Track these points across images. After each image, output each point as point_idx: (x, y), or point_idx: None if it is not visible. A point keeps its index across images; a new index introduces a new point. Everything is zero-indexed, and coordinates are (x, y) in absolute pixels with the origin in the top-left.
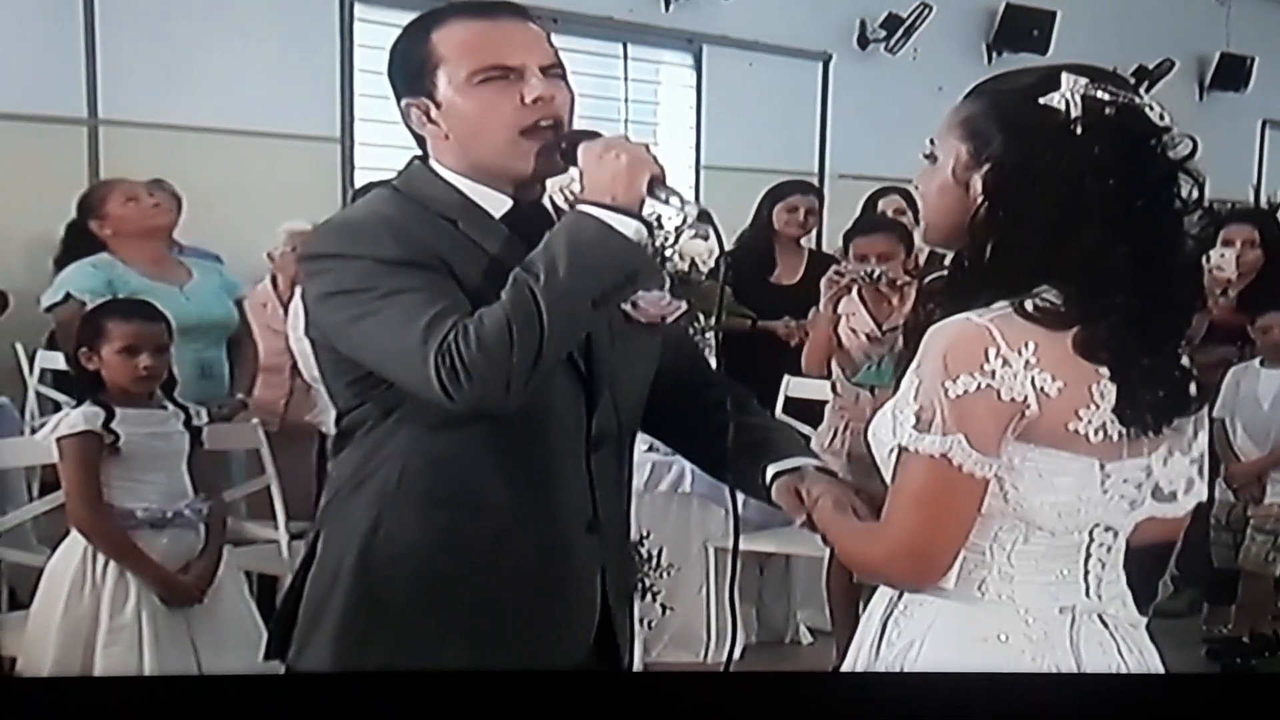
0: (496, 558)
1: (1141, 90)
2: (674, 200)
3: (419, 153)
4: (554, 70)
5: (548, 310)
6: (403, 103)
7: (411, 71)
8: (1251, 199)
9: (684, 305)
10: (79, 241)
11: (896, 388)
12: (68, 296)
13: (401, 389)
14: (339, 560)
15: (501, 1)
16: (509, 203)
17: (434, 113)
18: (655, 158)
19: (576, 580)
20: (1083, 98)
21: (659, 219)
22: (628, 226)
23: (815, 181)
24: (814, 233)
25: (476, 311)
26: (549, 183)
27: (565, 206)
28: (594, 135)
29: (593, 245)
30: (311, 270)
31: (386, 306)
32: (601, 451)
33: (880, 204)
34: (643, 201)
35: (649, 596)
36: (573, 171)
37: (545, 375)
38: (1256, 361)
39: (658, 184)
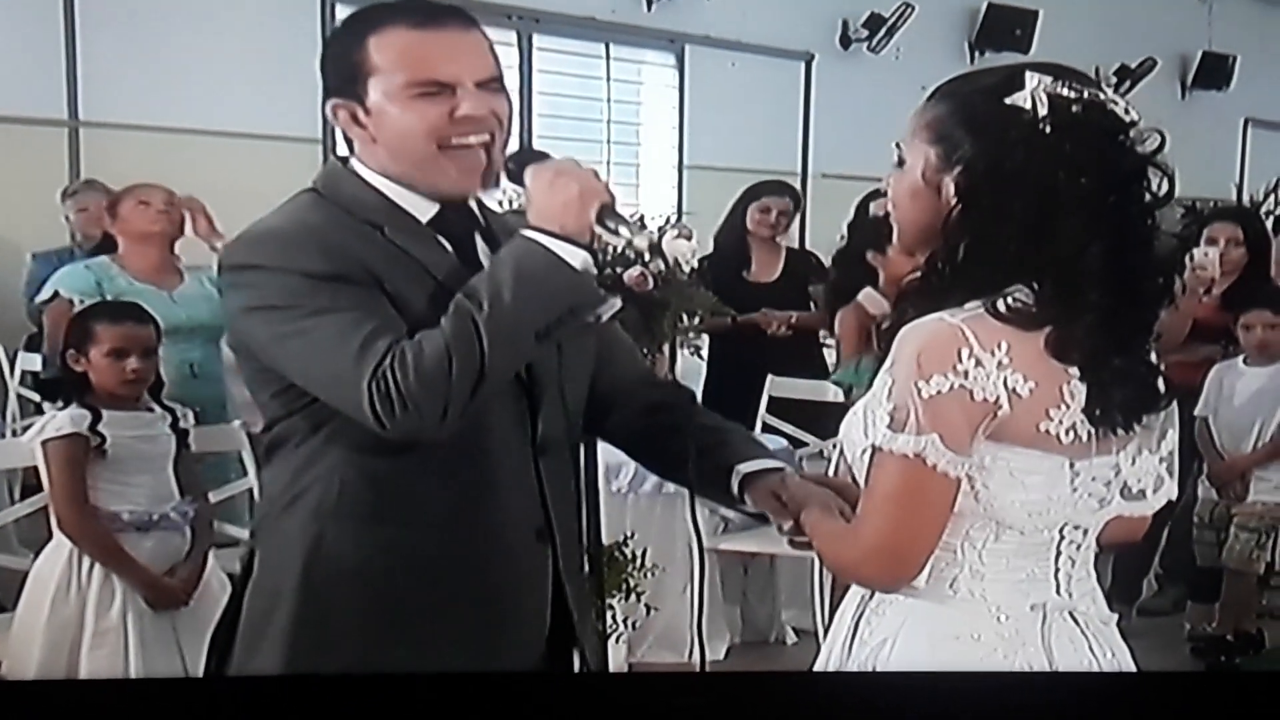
0: (443, 571)
1: (1122, 89)
2: (623, 229)
3: (339, 154)
4: (492, 84)
5: (490, 342)
6: (330, 103)
7: (344, 74)
8: (1234, 197)
9: (618, 304)
10: (105, 241)
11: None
12: (55, 294)
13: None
14: (279, 579)
15: (444, 6)
16: (435, 207)
17: (362, 116)
18: (605, 184)
19: (526, 590)
20: (1049, 95)
21: (629, 241)
22: (575, 257)
23: (798, 181)
24: (794, 230)
25: (415, 337)
26: None
27: (495, 208)
28: (542, 156)
29: (539, 276)
30: (234, 282)
31: (315, 326)
32: (548, 456)
33: (871, 207)
34: (591, 230)
35: (633, 597)
36: (505, 183)
37: (480, 402)
38: (1240, 360)
39: (607, 212)
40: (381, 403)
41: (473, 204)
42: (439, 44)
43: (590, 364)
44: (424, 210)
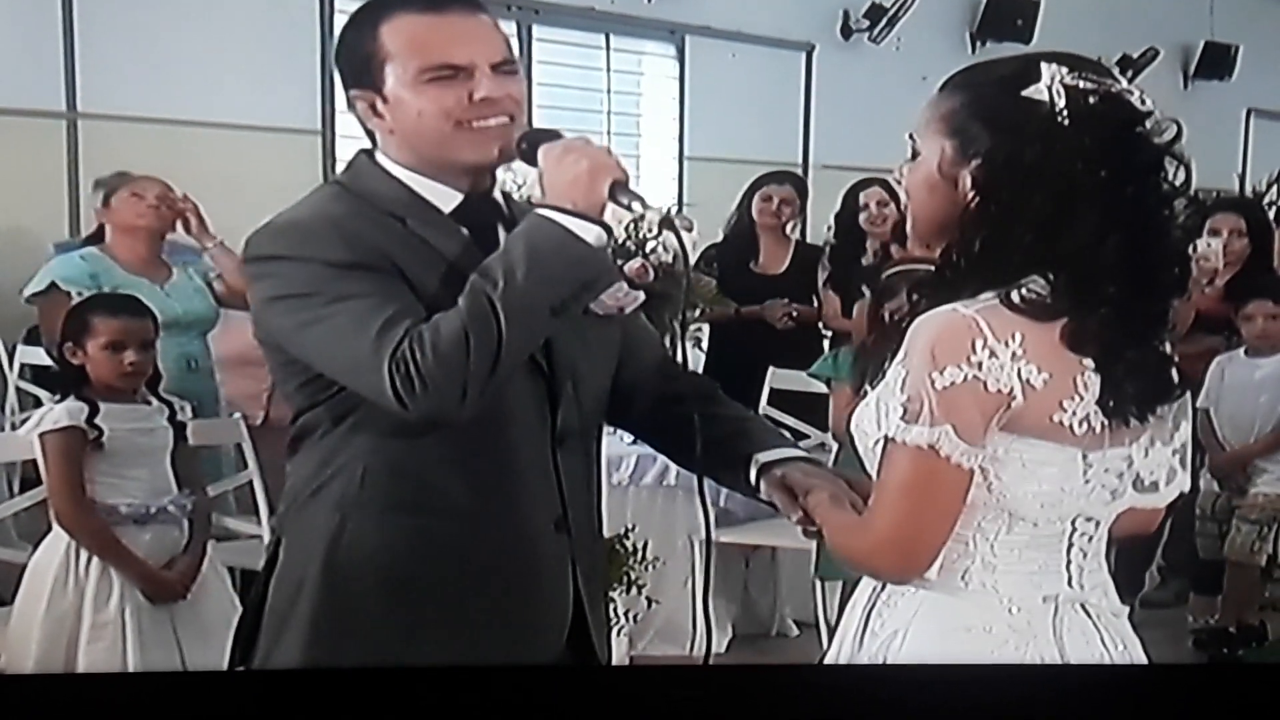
0: (464, 560)
1: (1124, 77)
2: (636, 205)
3: (366, 146)
4: (505, 66)
5: (506, 318)
6: (350, 93)
7: (359, 64)
8: (1237, 188)
9: (642, 296)
10: (97, 231)
11: (859, 382)
12: (52, 286)
13: (355, 393)
14: (303, 568)
15: None
16: (459, 196)
17: (380, 106)
18: (617, 161)
19: (547, 579)
20: (1066, 87)
21: (641, 217)
22: (589, 232)
23: (799, 172)
24: (801, 223)
25: (432, 319)
26: (499, 174)
27: (517, 198)
28: (554, 135)
29: (552, 252)
30: (257, 273)
31: (335, 313)
32: (566, 447)
33: (862, 196)
34: (604, 206)
35: (634, 590)
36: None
37: (502, 382)
38: (1241, 351)
39: (620, 188)
40: (402, 384)
41: (497, 194)
42: (450, 27)
43: (614, 355)
44: (447, 201)
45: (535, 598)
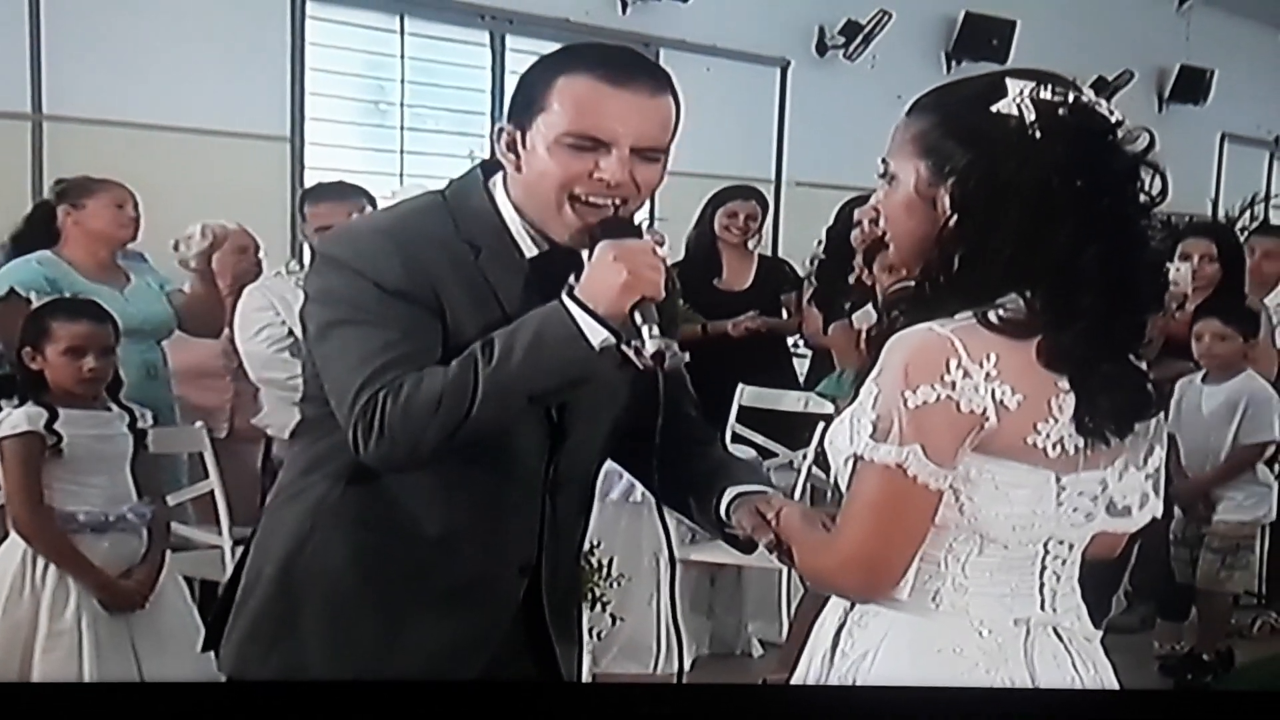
0: (415, 589)
1: (1099, 99)
2: (644, 329)
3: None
4: (650, 153)
5: (482, 397)
6: (505, 122)
7: (523, 101)
8: (1210, 212)
9: (687, 355)
10: (39, 224)
11: (855, 397)
12: (11, 292)
13: None
14: (263, 564)
15: (646, 67)
16: (545, 247)
17: (519, 146)
18: (660, 281)
19: (488, 619)
20: (1033, 101)
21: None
22: (597, 335)
23: (771, 188)
24: (768, 238)
25: (418, 373)
26: None
27: None
28: (629, 230)
29: (554, 344)
30: (318, 267)
31: (352, 337)
32: (557, 494)
33: (857, 213)
34: (622, 317)
35: (599, 607)
36: None
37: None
38: (1198, 378)
39: (645, 306)
40: (364, 429)
41: (584, 252)
42: (616, 103)
43: (636, 404)
44: (531, 247)
45: (475, 636)
